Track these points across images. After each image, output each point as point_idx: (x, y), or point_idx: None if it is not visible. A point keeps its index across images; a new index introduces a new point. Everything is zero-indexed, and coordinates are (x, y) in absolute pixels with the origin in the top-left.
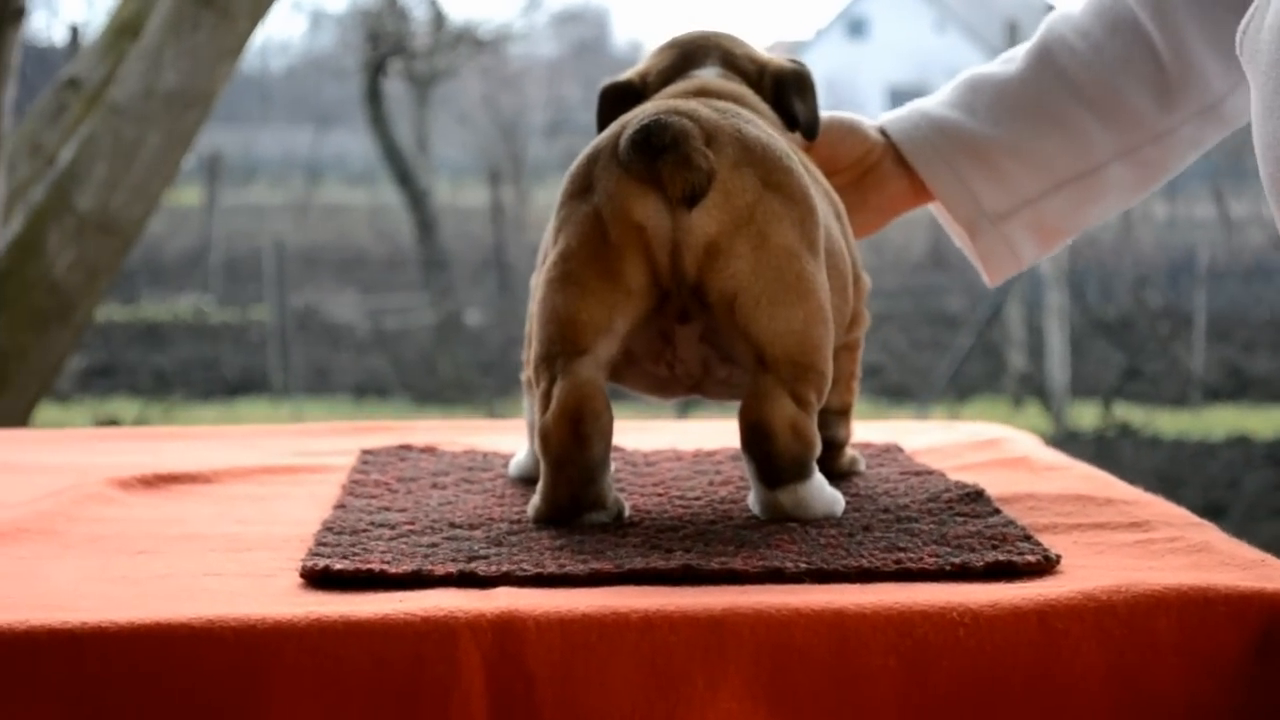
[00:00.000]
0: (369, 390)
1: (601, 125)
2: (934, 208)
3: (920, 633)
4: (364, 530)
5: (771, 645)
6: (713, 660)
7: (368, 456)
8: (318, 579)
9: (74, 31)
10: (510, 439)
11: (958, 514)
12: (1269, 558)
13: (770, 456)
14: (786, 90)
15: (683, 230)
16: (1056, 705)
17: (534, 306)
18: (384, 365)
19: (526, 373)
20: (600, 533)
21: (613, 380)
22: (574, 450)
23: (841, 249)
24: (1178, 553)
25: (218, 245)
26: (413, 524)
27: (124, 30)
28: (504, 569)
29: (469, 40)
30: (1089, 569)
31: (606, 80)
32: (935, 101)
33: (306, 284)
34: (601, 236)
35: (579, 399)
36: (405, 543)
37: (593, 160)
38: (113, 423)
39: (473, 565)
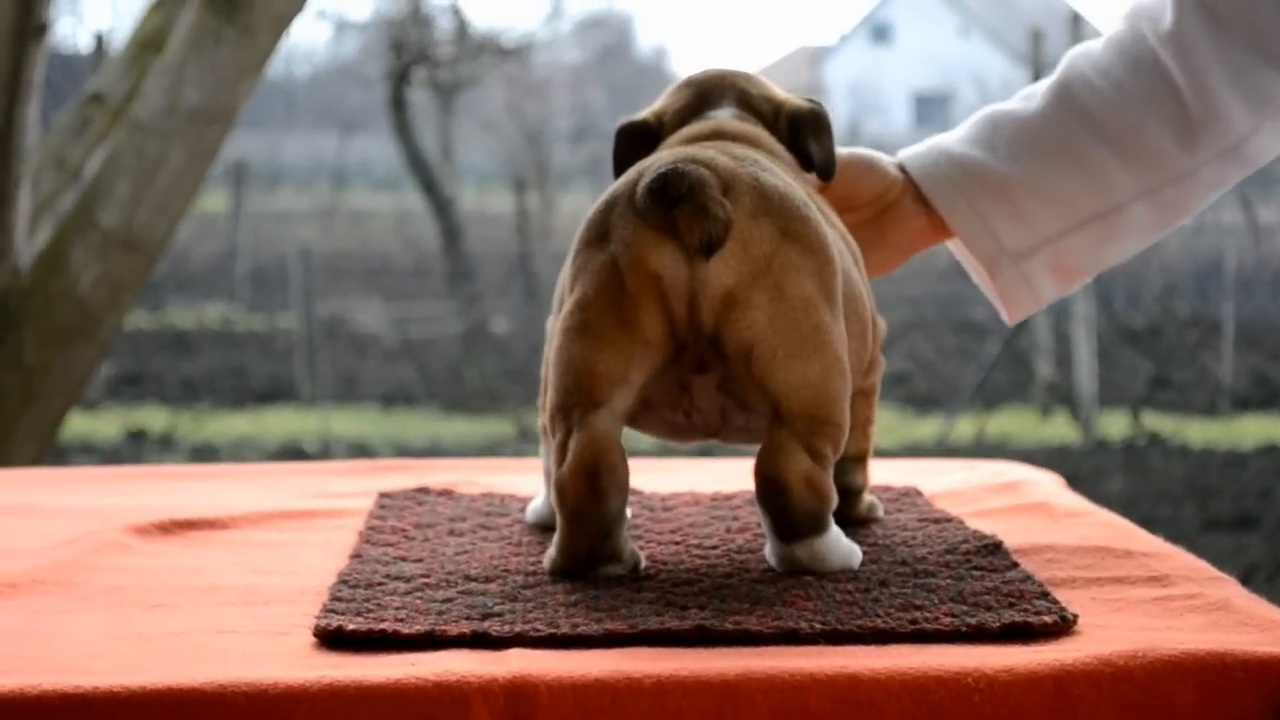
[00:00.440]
0: (396, 399)
1: (618, 164)
2: (953, 245)
3: (935, 698)
4: (379, 584)
5: (785, 711)
6: None
7: (385, 500)
8: (331, 639)
9: (99, 39)
10: (527, 479)
11: (975, 568)
12: None
13: (785, 511)
14: (802, 131)
15: (700, 280)
16: None
17: (550, 354)
18: (411, 374)
19: (542, 419)
20: (616, 586)
21: (630, 426)
22: (590, 504)
23: (860, 294)
24: (1196, 611)
25: (244, 252)
26: (428, 576)
27: (147, 44)
28: (517, 629)
29: (492, 49)
30: (1106, 629)
31: (623, 120)
32: (954, 138)
33: (333, 292)
34: (618, 286)
35: (595, 453)
36: (420, 597)
37: (609, 208)
38: (141, 432)
39: (486, 625)
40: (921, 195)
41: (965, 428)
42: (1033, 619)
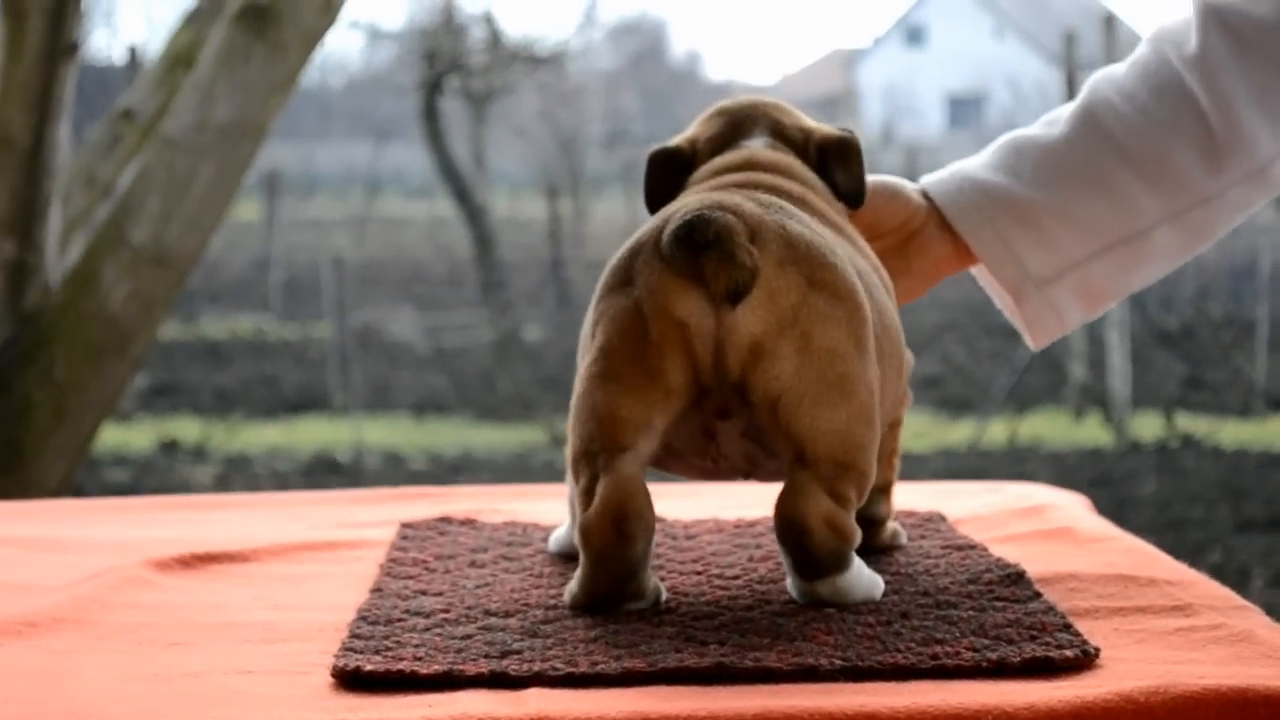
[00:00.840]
0: (428, 408)
1: (649, 190)
2: (977, 271)
3: None
4: (398, 620)
5: None
6: None
7: (407, 531)
8: (349, 679)
9: (133, 53)
10: (550, 505)
11: (997, 598)
12: None
13: (806, 551)
14: (829, 159)
15: (726, 329)
16: None
17: (575, 400)
18: (443, 382)
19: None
20: (636, 621)
21: (657, 468)
22: (616, 549)
23: (894, 328)
24: (1219, 642)
25: (277, 262)
26: (448, 611)
27: (178, 61)
28: (536, 667)
29: (525, 58)
30: (1129, 662)
31: (655, 146)
32: (977, 164)
33: (366, 301)
34: (642, 332)
35: (622, 498)
36: (439, 634)
37: (634, 254)
38: (174, 443)
39: (505, 664)
40: (946, 222)
41: (998, 431)
42: (1054, 653)
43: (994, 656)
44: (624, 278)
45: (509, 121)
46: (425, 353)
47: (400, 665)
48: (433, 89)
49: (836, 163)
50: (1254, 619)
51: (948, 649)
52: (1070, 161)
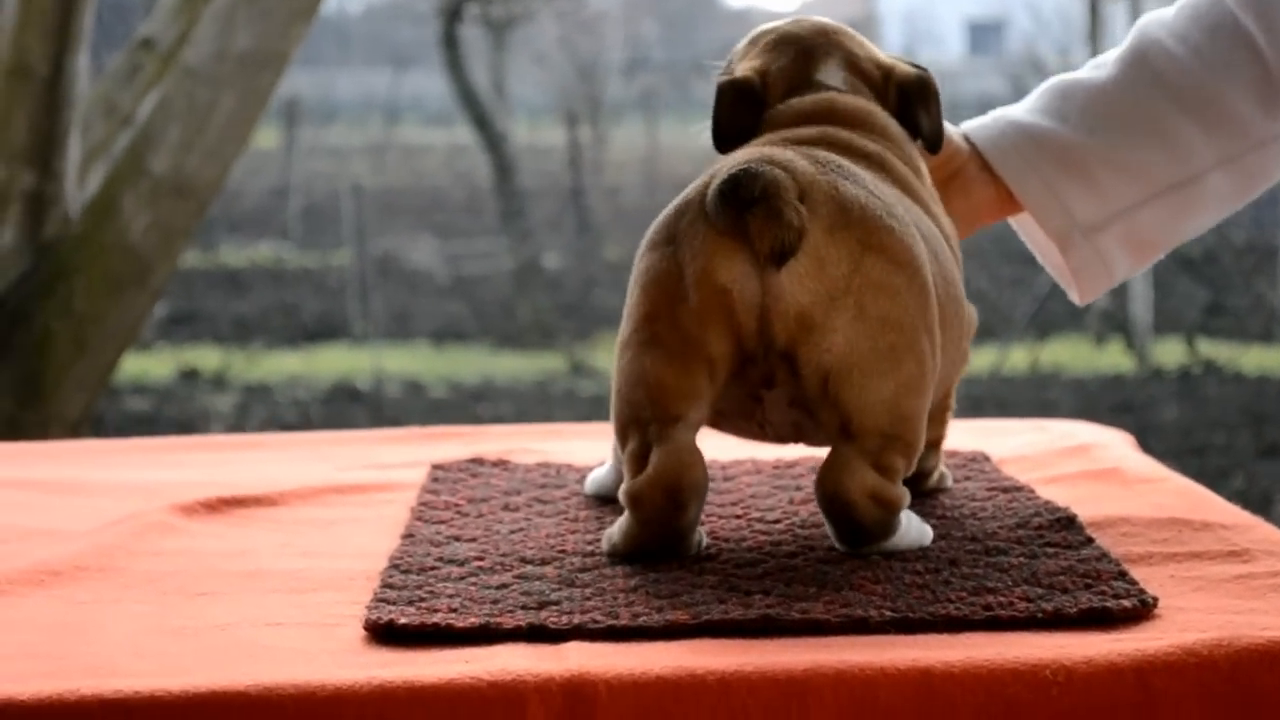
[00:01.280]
0: (448, 336)
1: (720, 126)
2: (1017, 222)
3: (1011, 692)
4: (431, 568)
5: (856, 707)
6: None
7: (438, 473)
8: (382, 633)
9: None
10: (582, 445)
11: (1048, 544)
12: None
13: (850, 524)
14: (912, 101)
15: (772, 297)
16: None
17: (620, 363)
18: (463, 310)
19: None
20: (677, 569)
21: (709, 427)
22: (669, 515)
23: (958, 294)
24: (1279, 591)
25: (296, 189)
26: (482, 559)
27: None
28: (575, 620)
29: None
30: (1187, 612)
31: (722, 76)
32: (1022, 109)
33: (385, 228)
34: (684, 298)
35: (678, 468)
36: (474, 583)
37: (680, 214)
38: (194, 372)
39: (543, 615)
40: (988, 166)
41: (1019, 357)
42: (1111, 603)
43: (1049, 607)
44: (668, 235)
45: (528, 48)
46: (445, 280)
47: (435, 618)
48: (452, 16)
49: (920, 105)
50: None
51: (1000, 599)
52: (1120, 104)
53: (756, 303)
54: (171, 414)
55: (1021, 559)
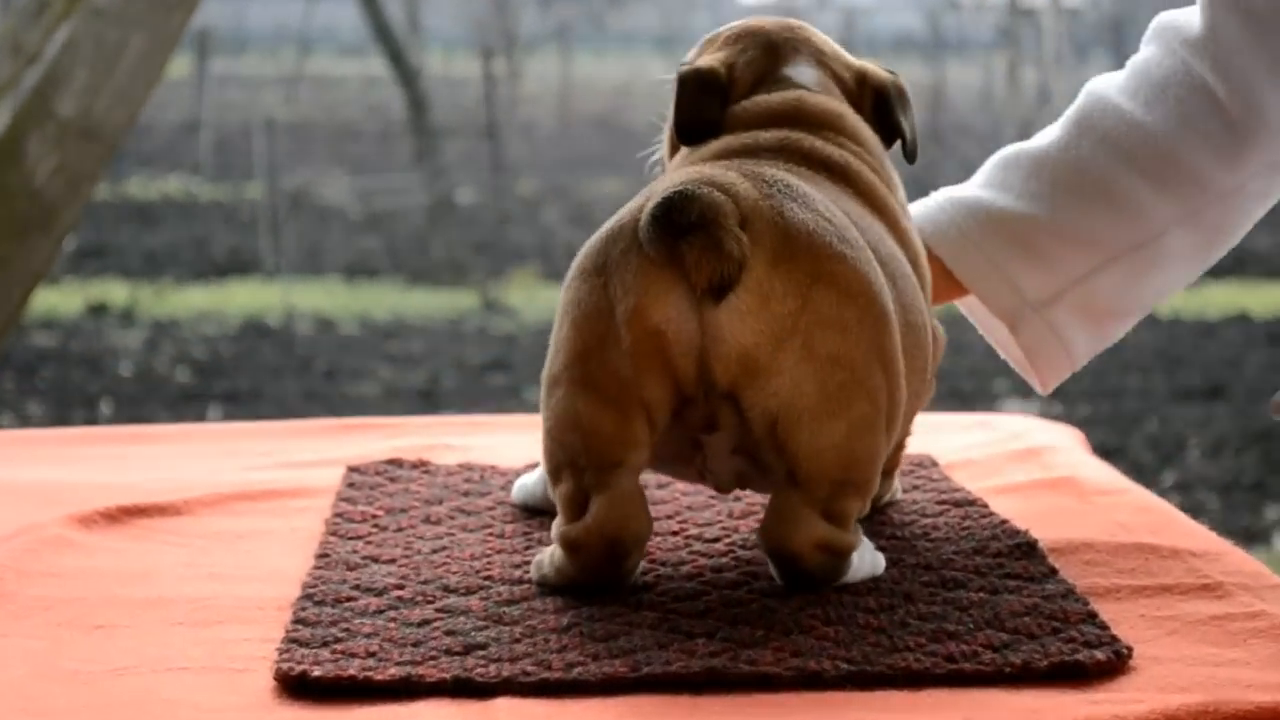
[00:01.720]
0: (360, 272)
1: (683, 117)
2: (965, 305)
3: None
4: (347, 599)
5: None
6: None
7: (354, 476)
8: (294, 685)
9: None
10: (506, 439)
11: (1009, 574)
12: None
13: (797, 575)
14: (891, 106)
15: (711, 337)
16: None
17: (552, 401)
18: (376, 246)
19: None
20: (613, 603)
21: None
22: (609, 565)
23: (921, 321)
24: (1262, 636)
25: (207, 122)
26: (402, 588)
27: None
28: (505, 671)
29: None
30: (1165, 663)
31: (684, 65)
32: (965, 186)
33: (298, 162)
34: (615, 338)
35: (620, 520)
36: (394, 619)
37: (612, 240)
38: (103, 306)
39: (469, 666)
40: (927, 246)
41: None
42: (1084, 654)
43: (1017, 660)
44: (598, 264)
45: None
46: (357, 216)
47: (352, 668)
48: None
49: (899, 109)
50: None
51: (963, 647)
52: (1065, 169)
53: (694, 344)
54: (79, 350)
55: (982, 594)
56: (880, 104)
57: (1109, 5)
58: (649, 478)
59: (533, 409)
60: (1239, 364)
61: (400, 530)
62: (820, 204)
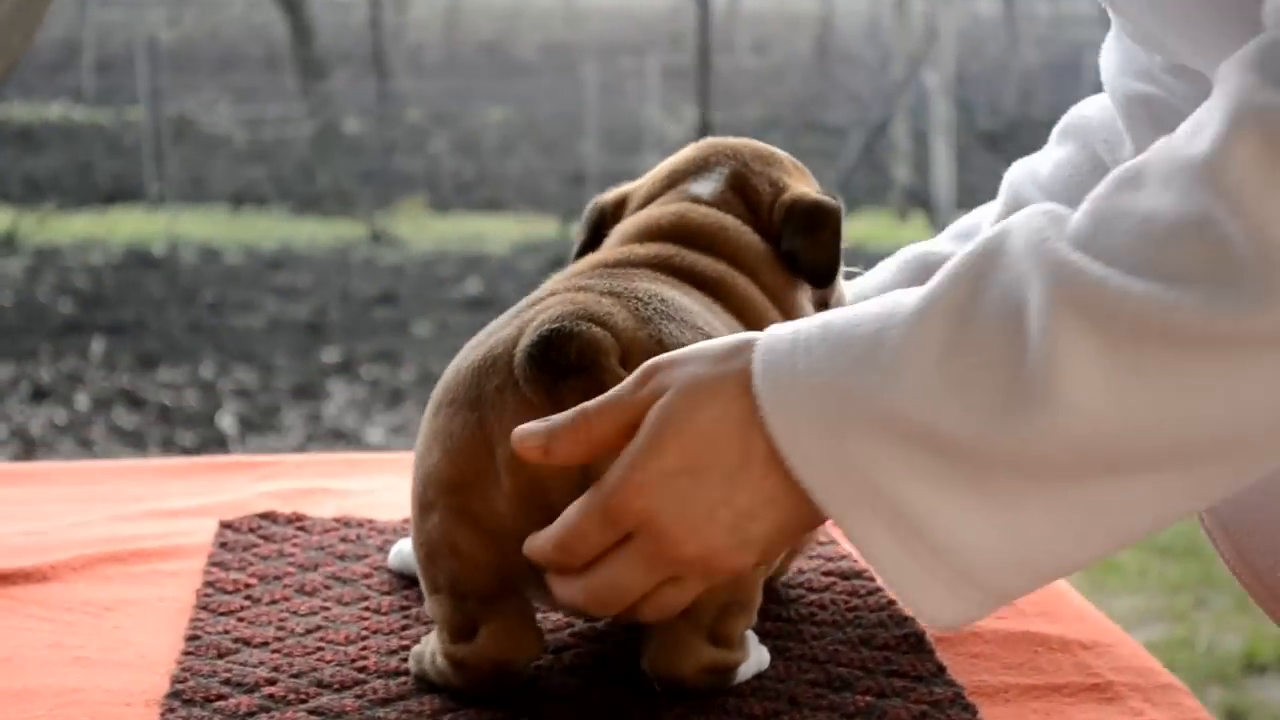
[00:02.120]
0: (246, 199)
1: (581, 247)
2: None
3: None
4: (217, 697)
5: None
6: None
7: (226, 535)
8: None
9: None
10: (383, 481)
11: (896, 673)
12: None
13: (683, 694)
14: (792, 225)
15: (594, 477)
16: None
17: (424, 524)
18: (261, 174)
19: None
20: (490, 709)
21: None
22: (496, 683)
23: None
24: None
25: (89, 42)
26: (274, 684)
27: None
28: None
29: None
30: None
31: (597, 197)
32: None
33: (182, 88)
34: (495, 476)
35: (512, 648)
36: None
37: (487, 373)
38: None
39: None
40: None
41: None
42: None
43: None
44: (472, 397)
45: None
46: (242, 144)
47: None
48: None
49: (800, 229)
50: (1179, 698)
51: None
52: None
53: (577, 484)
54: None
55: (869, 698)
56: (787, 220)
57: None
58: None
59: (419, 343)
60: None
61: (274, 603)
62: (698, 316)
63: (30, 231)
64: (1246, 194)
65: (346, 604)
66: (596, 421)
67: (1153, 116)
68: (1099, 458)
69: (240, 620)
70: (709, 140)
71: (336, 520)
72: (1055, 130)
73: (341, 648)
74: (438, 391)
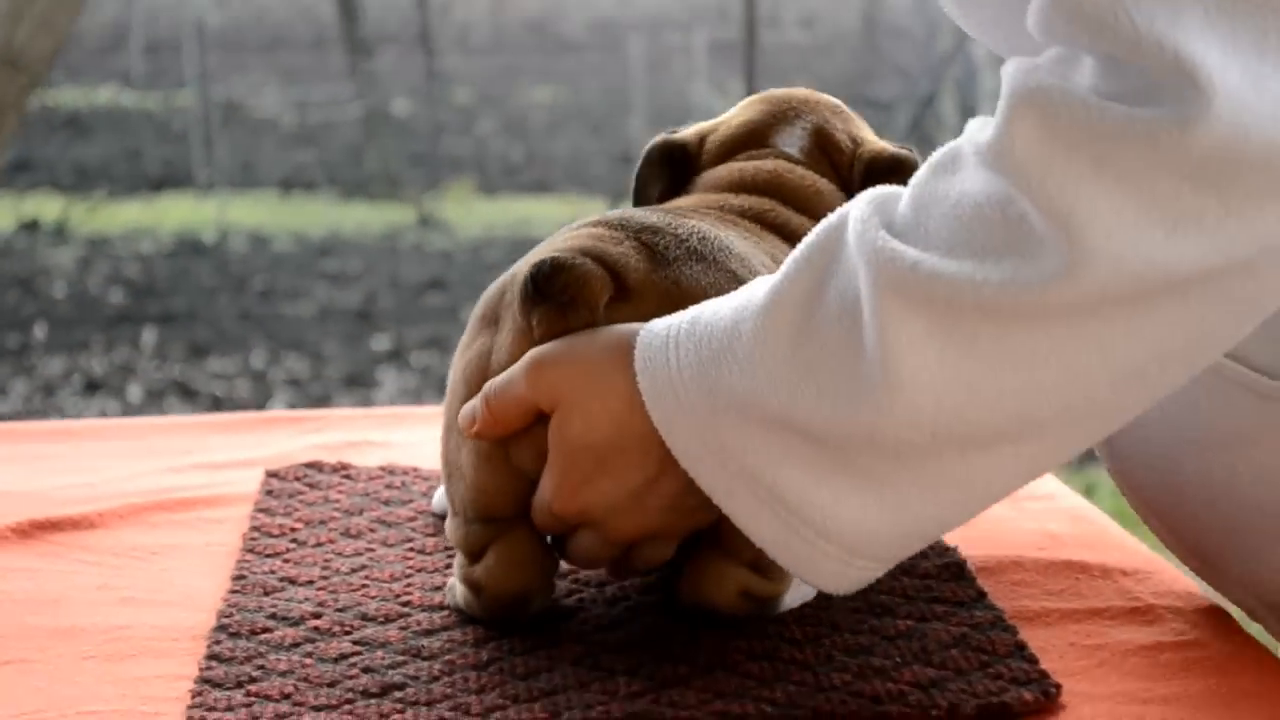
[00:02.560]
0: (295, 185)
1: (638, 190)
2: None
3: None
4: (262, 630)
5: None
6: None
7: (272, 483)
8: None
9: None
10: (429, 434)
11: (937, 599)
12: None
13: (724, 623)
14: (873, 181)
15: None
16: None
17: (444, 445)
18: (310, 158)
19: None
20: (532, 633)
21: None
22: (512, 609)
23: None
24: (1192, 669)
25: (137, 26)
26: (319, 617)
27: None
28: (421, 718)
29: None
30: (1094, 701)
31: (659, 136)
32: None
33: (230, 71)
34: None
35: (518, 574)
36: (310, 653)
37: (499, 292)
38: (34, 223)
39: (386, 713)
40: None
41: None
42: (1011, 694)
43: (944, 703)
44: (492, 316)
45: None
46: (290, 128)
47: (265, 716)
48: None
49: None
50: (1225, 625)
51: (889, 686)
52: None
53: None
54: (13, 270)
55: (909, 622)
56: (867, 178)
57: None
58: None
59: None
60: None
61: (319, 545)
62: (738, 260)
63: (81, 221)
64: (1031, 171)
65: (391, 545)
66: (496, 405)
67: None
68: (951, 433)
69: (286, 562)
70: (777, 92)
71: (381, 469)
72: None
73: (385, 584)
74: (476, 306)
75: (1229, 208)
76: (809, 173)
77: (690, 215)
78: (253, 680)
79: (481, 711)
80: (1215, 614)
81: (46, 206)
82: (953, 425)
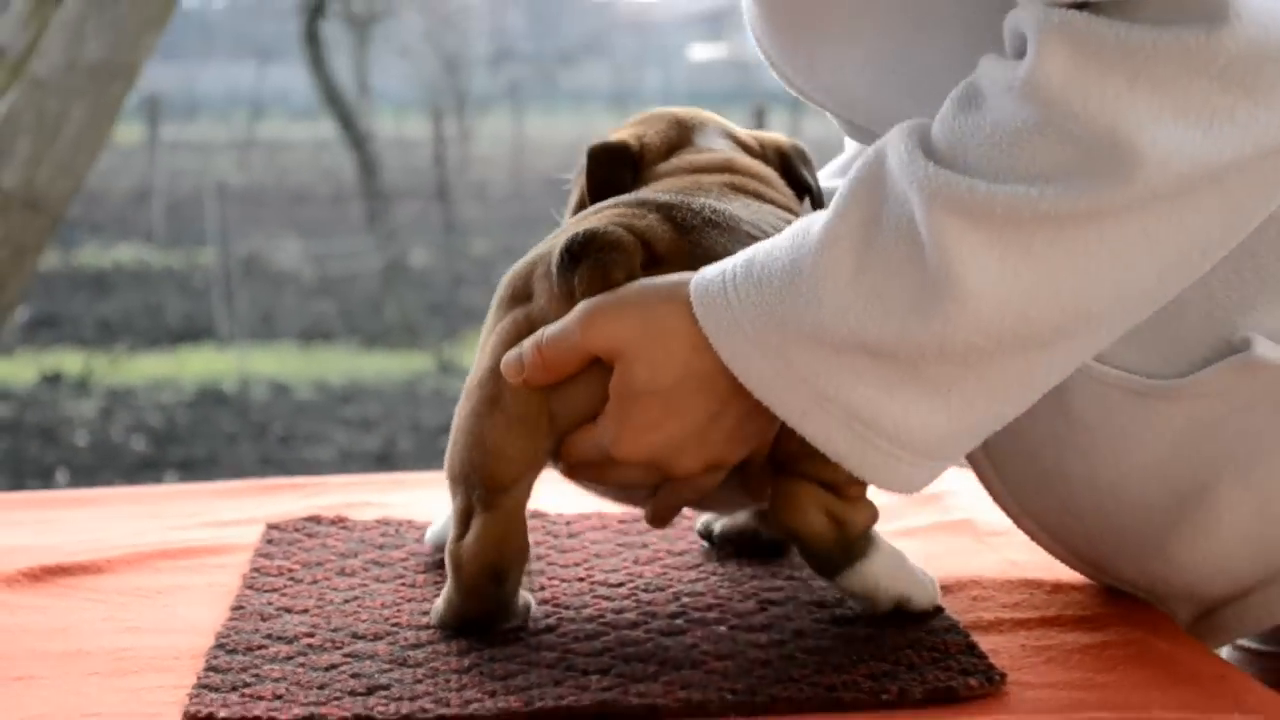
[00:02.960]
0: (315, 335)
1: (591, 190)
2: None
3: None
4: (258, 647)
5: None
6: None
7: (272, 533)
8: None
9: None
10: (426, 494)
11: (898, 611)
12: (1230, 669)
13: (813, 555)
14: (794, 164)
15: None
16: None
17: (460, 418)
18: (330, 310)
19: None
20: (513, 644)
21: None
22: (487, 586)
23: None
24: (1134, 661)
25: (159, 188)
26: (312, 635)
27: None
28: (405, 710)
29: None
30: (1036, 689)
31: (595, 141)
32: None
33: (251, 227)
34: None
35: (497, 541)
36: (302, 664)
37: (531, 268)
38: (57, 376)
39: (371, 705)
40: None
41: None
42: (957, 681)
43: (894, 688)
44: (521, 292)
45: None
46: (311, 280)
47: (258, 709)
48: (314, 12)
49: (805, 166)
50: (1166, 629)
51: (844, 677)
52: None
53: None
54: (34, 420)
55: (869, 629)
56: (787, 165)
57: None
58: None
59: None
60: None
61: (315, 583)
62: (750, 225)
63: (103, 373)
64: (1072, 97)
65: (383, 581)
66: (550, 351)
67: None
68: (1016, 335)
69: (283, 595)
70: (658, 110)
71: (378, 521)
72: None
73: (376, 610)
74: (498, 290)
75: (1258, 100)
76: (749, 159)
77: (693, 193)
78: (247, 685)
79: (460, 704)
80: (1162, 620)
81: (69, 360)
82: (1016, 327)
